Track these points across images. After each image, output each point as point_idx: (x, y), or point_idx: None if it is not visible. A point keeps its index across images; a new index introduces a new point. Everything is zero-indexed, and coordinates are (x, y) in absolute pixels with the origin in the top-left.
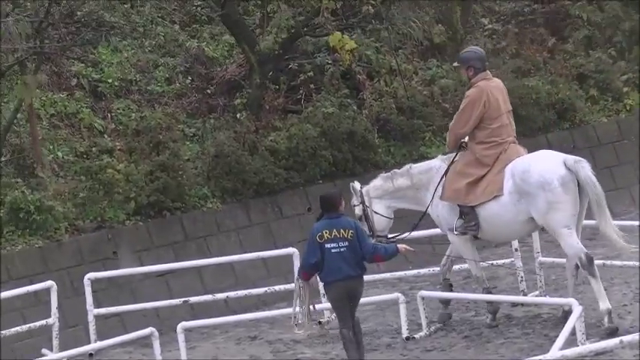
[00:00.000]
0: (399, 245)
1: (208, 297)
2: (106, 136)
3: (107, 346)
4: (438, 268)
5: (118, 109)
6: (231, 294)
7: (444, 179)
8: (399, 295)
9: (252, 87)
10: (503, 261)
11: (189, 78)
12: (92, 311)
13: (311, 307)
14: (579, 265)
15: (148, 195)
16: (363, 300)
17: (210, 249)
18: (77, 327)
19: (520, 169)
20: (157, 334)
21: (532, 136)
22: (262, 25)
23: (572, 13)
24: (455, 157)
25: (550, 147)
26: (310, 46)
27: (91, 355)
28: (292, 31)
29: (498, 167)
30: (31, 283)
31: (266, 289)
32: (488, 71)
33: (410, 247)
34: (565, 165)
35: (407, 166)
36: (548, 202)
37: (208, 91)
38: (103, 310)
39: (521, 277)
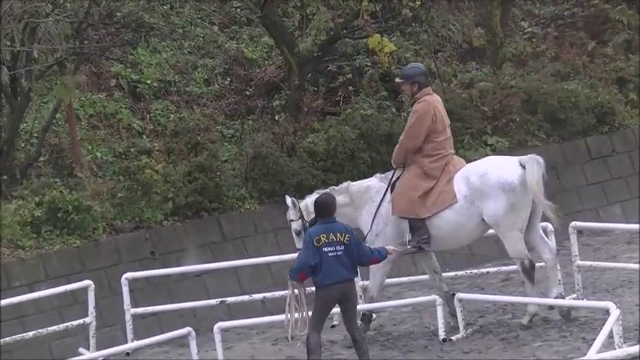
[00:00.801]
0: (387, 247)
1: (245, 297)
2: (144, 136)
3: (144, 346)
4: (476, 270)
5: (157, 109)
6: (268, 294)
7: (387, 196)
8: (436, 297)
9: (291, 89)
10: (541, 264)
11: (228, 79)
12: (129, 311)
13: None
14: (521, 269)
15: (186, 195)
16: (400, 302)
17: (248, 250)
18: (114, 326)
19: (477, 173)
20: (193, 334)
21: (571, 139)
22: (301, 27)
23: (612, 17)
24: (395, 174)
25: (589, 151)
26: (349, 48)
27: (127, 354)
28: (331, 33)
29: (446, 178)
30: (69, 282)
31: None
32: (429, 86)
33: (395, 248)
34: (521, 164)
35: (345, 184)
36: (509, 203)
37: (247, 93)
38: (140, 310)
39: (559, 280)
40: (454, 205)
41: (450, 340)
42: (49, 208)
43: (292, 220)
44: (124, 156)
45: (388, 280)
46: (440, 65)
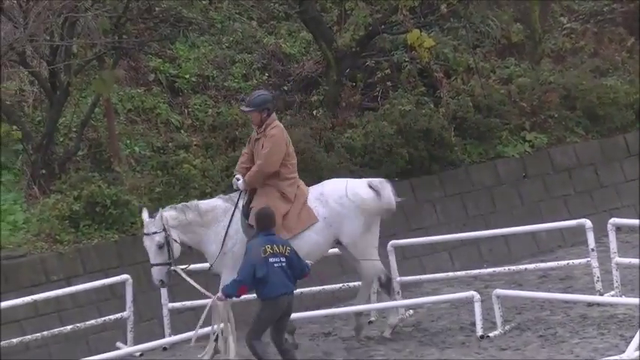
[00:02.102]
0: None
1: None
2: (182, 131)
3: (181, 340)
4: (514, 267)
5: (195, 104)
6: (306, 290)
7: (236, 217)
8: (474, 293)
9: (329, 84)
10: (579, 261)
11: (266, 74)
12: (167, 305)
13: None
14: (379, 283)
15: (224, 190)
16: (437, 298)
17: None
18: (152, 321)
19: (334, 195)
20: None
21: (610, 135)
22: (340, 22)
23: None
24: (241, 196)
25: (628, 147)
26: (387, 43)
27: (164, 349)
28: (370, 28)
29: (301, 200)
30: (107, 276)
31: (340, 285)
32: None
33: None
34: (370, 186)
35: (194, 202)
36: (365, 223)
37: (285, 88)
38: (177, 304)
39: (598, 277)
40: (314, 225)
41: (488, 336)
42: (88, 203)
43: (155, 233)
44: (162, 151)
45: (425, 277)
46: (478, 61)
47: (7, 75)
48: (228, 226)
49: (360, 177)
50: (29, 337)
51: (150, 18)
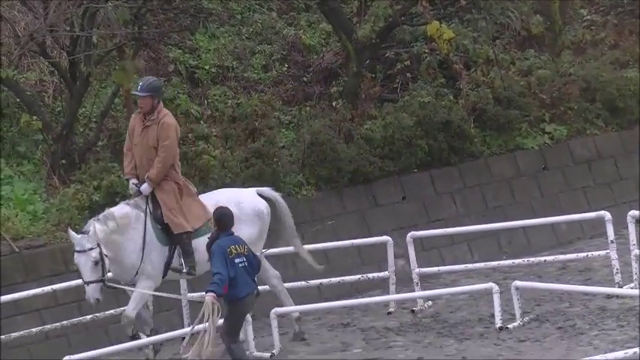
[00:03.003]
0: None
1: (302, 283)
2: (202, 122)
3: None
4: (533, 259)
5: (215, 95)
6: (325, 281)
7: (149, 222)
8: (493, 284)
9: (349, 75)
10: (598, 253)
11: (286, 65)
12: (186, 296)
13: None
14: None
15: (243, 181)
16: (456, 289)
17: (304, 236)
18: (171, 311)
19: (232, 200)
20: (250, 319)
21: (629, 127)
22: (360, 13)
23: None
24: (147, 201)
25: None
26: (407, 35)
27: (184, 339)
28: (390, 19)
29: (194, 193)
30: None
31: (359, 276)
32: None
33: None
34: (262, 196)
35: (107, 211)
36: (260, 230)
37: (304, 79)
38: (197, 295)
39: (617, 269)
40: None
41: (507, 328)
42: (107, 193)
43: (91, 249)
44: (181, 141)
45: (444, 268)
46: (498, 52)
47: (28, 65)
48: (144, 233)
49: (380, 168)
50: (49, 326)
51: (170, 9)
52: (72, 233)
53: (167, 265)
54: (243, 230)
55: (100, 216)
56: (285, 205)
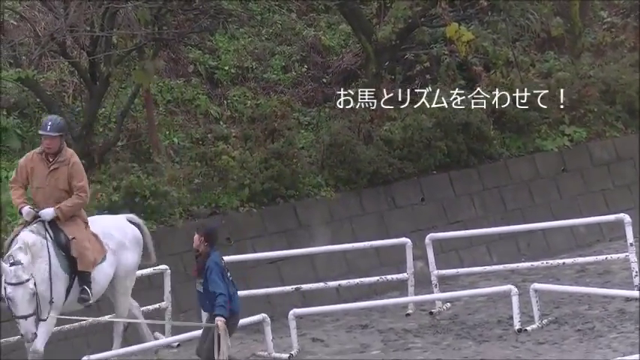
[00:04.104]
0: None
1: (320, 285)
2: (221, 122)
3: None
4: (552, 261)
5: (234, 96)
6: (343, 282)
7: (52, 251)
8: (512, 286)
9: (368, 77)
10: (617, 255)
11: (305, 67)
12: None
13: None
14: (127, 315)
15: (262, 182)
16: (474, 291)
17: (323, 237)
18: (189, 311)
19: (115, 227)
20: (268, 320)
21: None
22: (379, 14)
23: None
24: (47, 227)
25: None
26: (427, 36)
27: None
28: (409, 21)
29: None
30: (146, 266)
31: (378, 278)
32: None
33: None
34: (132, 222)
35: (20, 238)
36: (139, 256)
37: (324, 80)
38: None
39: (636, 272)
40: (106, 256)
41: (525, 330)
42: (127, 193)
43: (28, 280)
44: (201, 142)
45: (463, 270)
46: (518, 54)
47: (48, 65)
48: (50, 262)
49: (400, 170)
50: (67, 326)
51: (190, 9)
52: (3, 265)
53: (67, 293)
54: (128, 257)
55: (21, 244)
56: (148, 232)
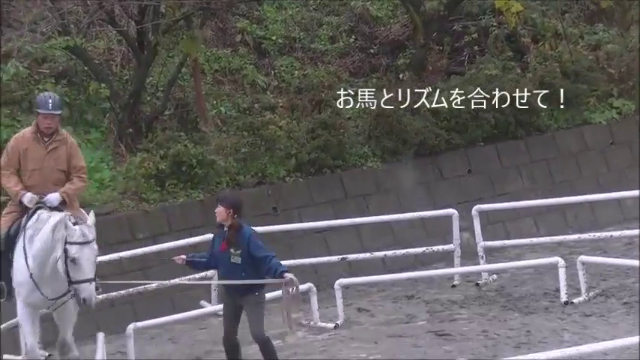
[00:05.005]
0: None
1: (366, 255)
2: (268, 92)
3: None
4: (599, 233)
5: (281, 66)
6: (389, 253)
7: None
8: (559, 259)
9: (416, 47)
10: None
11: (353, 37)
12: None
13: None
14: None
15: (309, 152)
16: (521, 263)
17: (370, 208)
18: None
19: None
20: (314, 289)
21: None
22: None
23: None
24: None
25: None
26: (475, 7)
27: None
28: None
29: None
30: (191, 235)
31: (424, 249)
32: None
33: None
34: None
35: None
36: None
37: (371, 51)
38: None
39: None
40: None
41: (572, 302)
42: (174, 162)
43: (94, 241)
44: (247, 111)
45: (509, 241)
46: (567, 26)
47: (96, 34)
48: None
49: (447, 141)
50: (114, 293)
51: None
52: (69, 223)
53: None
54: None
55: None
56: None
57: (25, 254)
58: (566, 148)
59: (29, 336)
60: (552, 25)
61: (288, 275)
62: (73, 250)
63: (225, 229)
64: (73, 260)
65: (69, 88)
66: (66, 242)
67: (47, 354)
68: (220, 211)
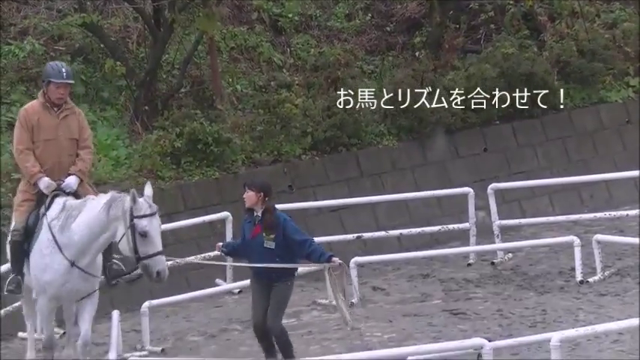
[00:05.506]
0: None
1: (381, 233)
2: (284, 70)
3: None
4: (615, 212)
5: (297, 44)
6: (405, 231)
7: None
8: (574, 237)
9: (432, 25)
10: None
11: (369, 15)
12: None
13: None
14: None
15: (325, 130)
16: (536, 242)
17: (385, 186)
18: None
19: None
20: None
21: None
22: None
23: None
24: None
25: None
26: None
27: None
28: None
29: None
30: (207, 213)
31: (440, 227)
32: None
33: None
34: None
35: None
36: None
37: (388, 29)
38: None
39: None
40: None
41: (587, 282)
42: (189, 140)
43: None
44: (263, 89)
45: (525, 220)
46: (583, 4)
47: (112, 11)
48: None
49: (463, 120)
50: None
51: None
52: (136, 197)
53: None
54: None
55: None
56: None
57: (59, 246)
58: (582, 127)
59: (48, 326)
60: (569, 4)
61: (337, 260)
62: (143, 223)
63: (256, 214)
64: (144, 234)
65: (85, 66)
66: (133, 217)
67: (62, 331)
68: (250, 196)
